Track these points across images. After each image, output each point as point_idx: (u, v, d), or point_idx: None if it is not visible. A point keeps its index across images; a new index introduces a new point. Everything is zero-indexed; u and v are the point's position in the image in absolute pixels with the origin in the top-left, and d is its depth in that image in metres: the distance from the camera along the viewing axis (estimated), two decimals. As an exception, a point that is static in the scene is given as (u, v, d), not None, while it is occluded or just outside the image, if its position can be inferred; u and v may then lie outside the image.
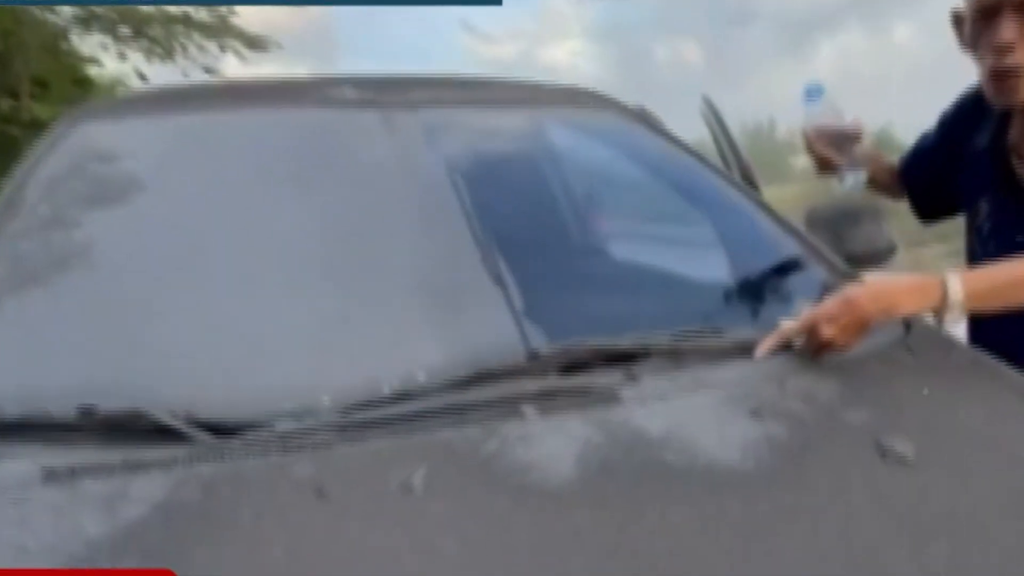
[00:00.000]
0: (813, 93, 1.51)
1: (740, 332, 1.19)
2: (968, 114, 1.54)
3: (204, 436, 0.89)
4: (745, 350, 1.14)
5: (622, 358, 1.09)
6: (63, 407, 0.91)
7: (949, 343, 1.21)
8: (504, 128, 1.62)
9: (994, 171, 1.46)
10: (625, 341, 1.11)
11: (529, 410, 0.96)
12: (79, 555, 0.72)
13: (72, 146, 1.45)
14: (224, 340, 1.06)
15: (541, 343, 1.08)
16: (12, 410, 0.90)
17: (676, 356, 1.11)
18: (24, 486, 0.81)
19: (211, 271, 1.17)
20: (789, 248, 1.46)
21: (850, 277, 1.39)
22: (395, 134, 1.51)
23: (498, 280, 1.20)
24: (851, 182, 1.53)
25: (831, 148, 1.52)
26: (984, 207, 1.46)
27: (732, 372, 1.08)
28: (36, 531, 0.75)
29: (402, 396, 0.99)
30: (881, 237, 1.68)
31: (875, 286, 1.13)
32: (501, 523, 0.77)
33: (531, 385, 1.01)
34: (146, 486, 0.81)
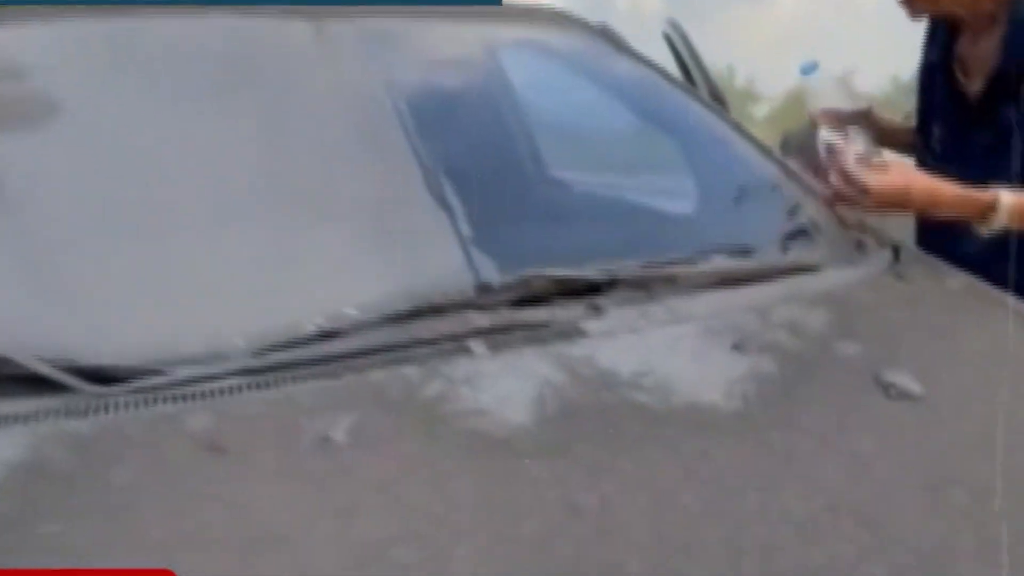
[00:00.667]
0: (807, 69, 1.39)
1: (715, 261, 1.06)
2: (928, 31, 1.44)
3: (81, 385, 0.73)
4: (721, 280, 1.01)
5: (585, 290, 0.96)
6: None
7: (940, 268, 1.10)
8: (454, 43, 1.44)
9: (943, 87, 1.36)
10: (588, 271, 0.97)
11: (478, 346, 0.82)
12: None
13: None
14: (116, 274, 0.89)
15: (492, 274, 0.94)
16: None
17: (645, 287, 0.98)
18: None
19: (102, 195, 0.99)
20: (765, 172, 1.33)
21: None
22: (329, 45, 1.33)
23: (444, 205, 1.05)
24: None
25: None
26: (936, 127, 1.36)
27: (708, 303, 0.95)
28: None
29: (329, 334, 0.84)
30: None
31: (929, 182, 1.14)
32: (443, 479, 0.63)
33: (481, 319, 0.87)
34: (-1, 445, 0.65)
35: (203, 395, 0.73)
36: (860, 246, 1.17)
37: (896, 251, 1.13)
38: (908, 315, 0.95)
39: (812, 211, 1.25)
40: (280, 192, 1.03)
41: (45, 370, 0.73)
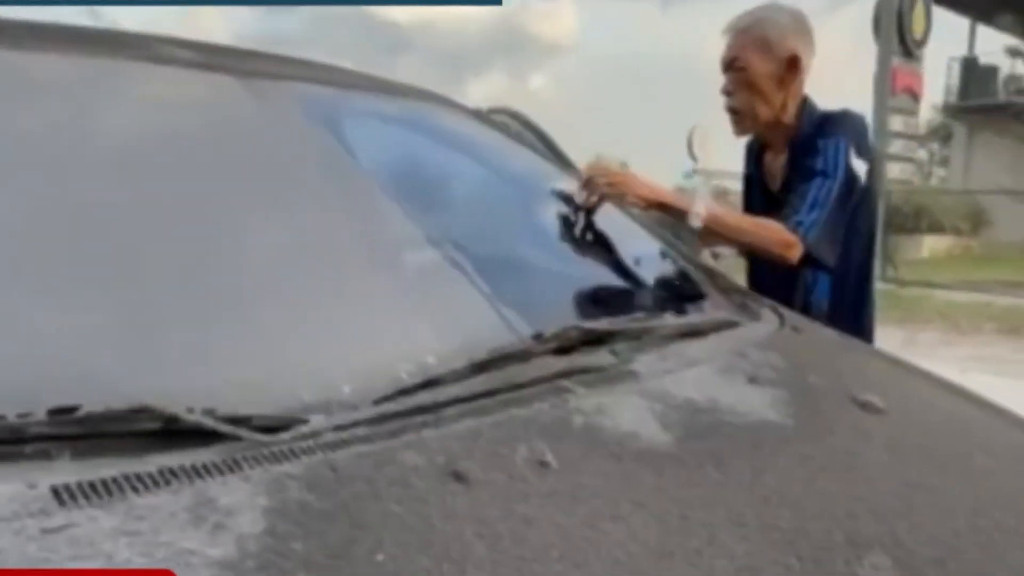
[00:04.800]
0: (689, 174, 1.81)
1: (671, 318, 1.28)
2: (746, 152, 1.96)
3: (250, 435, 0.71)
4: (683, 333, 1.24)
5: (596, 340, 1.12)
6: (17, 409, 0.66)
7: (813, 324, 1.45)
8: (392, 117, 1.53)
9: (758, 187, 1.85)
10: (603, 324, 1.13)
11: (574, 386, 0.94)
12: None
13: None
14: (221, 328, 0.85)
15: (539, 327, 1.06)
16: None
17: (638, 337, 1.16)
18: (43, 512, 0.57)
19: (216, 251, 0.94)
20: (656, 248, 1.61)
21: (704, 267, 1.58)
22: (270, 108, 1.34)
23: (463, 269, 1.15)
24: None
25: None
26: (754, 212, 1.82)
27: (698, 349, 1.17)
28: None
29: (429, 382, 0.89)
30: (690, 242, 1.94)
31: (646, 178, 1.63)
32: (647, 486, 0.74)
33: (551, 364, 0.99)
34: (226, 492, 0.62)
35: (379, 437, 0.75)
36: (745, 307, 1.48)
37: (777, 311, 1.45)
38: (827, 355, 1.25)
39: (705, 280, 1.55)
40: (359, 265, 1.06)
41: (203, 420, 0.70)
